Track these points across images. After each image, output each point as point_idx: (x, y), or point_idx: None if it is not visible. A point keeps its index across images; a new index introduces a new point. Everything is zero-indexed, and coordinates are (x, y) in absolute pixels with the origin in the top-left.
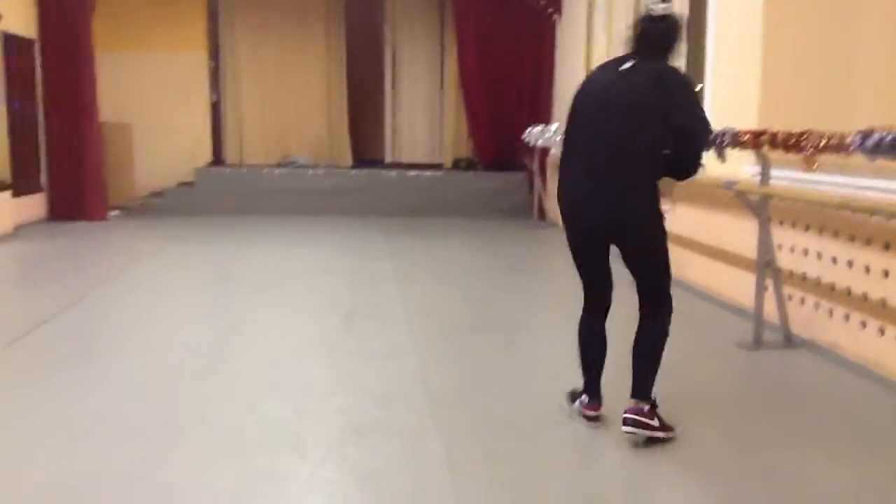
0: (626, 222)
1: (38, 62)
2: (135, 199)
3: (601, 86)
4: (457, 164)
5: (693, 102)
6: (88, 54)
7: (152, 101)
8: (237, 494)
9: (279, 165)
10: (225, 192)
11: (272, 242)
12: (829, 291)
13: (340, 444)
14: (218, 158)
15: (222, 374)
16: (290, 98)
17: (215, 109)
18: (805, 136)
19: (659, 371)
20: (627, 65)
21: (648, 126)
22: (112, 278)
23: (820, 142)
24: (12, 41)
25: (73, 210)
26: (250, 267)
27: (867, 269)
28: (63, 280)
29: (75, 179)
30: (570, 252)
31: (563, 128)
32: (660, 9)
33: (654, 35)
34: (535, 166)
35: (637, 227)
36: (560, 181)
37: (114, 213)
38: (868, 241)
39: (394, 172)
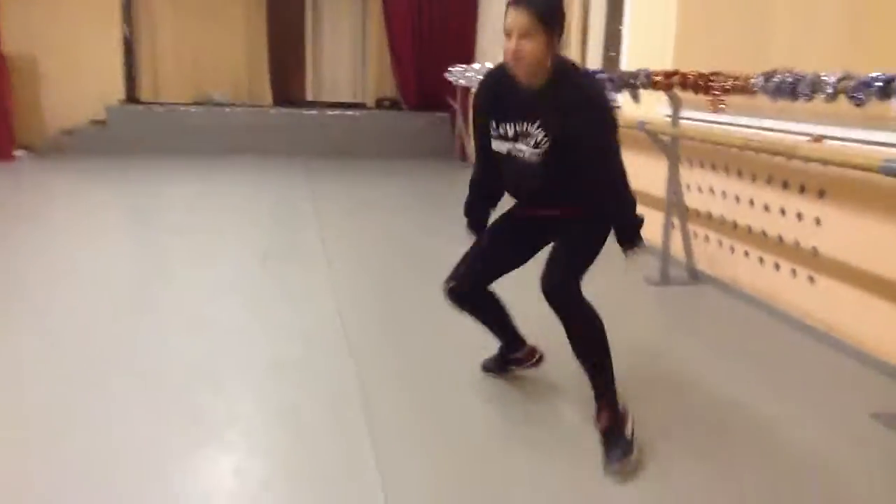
0: None
1: None
2: (43, 136)
3: None
4: (380, 104)
5: None
6: None
7: (60, 32)
8: (154, 432)
9: (196, 103)
10: (139, 131)
11: (189, 183)
12: (731, 229)
13: (258, 381)
14: (131, 96)
15: (138, 315)
16: (208, 33)
17: (128, 44)
18: (713, 78)
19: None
20: None
21: None
22: (23, 218)
23: (727, 83)
24: None
25: None
26: (166, 208)
27: (766, 208)
28: None
29: None
30: None
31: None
32: None
33: None
34: (458, 106)
35: None
36: None
37: (19, 152)
38: (769, 181)
39: (315, 111)
